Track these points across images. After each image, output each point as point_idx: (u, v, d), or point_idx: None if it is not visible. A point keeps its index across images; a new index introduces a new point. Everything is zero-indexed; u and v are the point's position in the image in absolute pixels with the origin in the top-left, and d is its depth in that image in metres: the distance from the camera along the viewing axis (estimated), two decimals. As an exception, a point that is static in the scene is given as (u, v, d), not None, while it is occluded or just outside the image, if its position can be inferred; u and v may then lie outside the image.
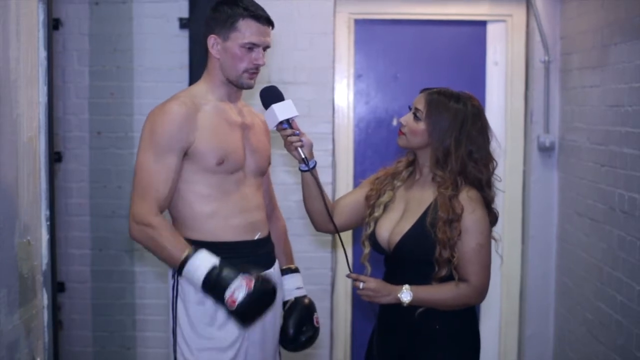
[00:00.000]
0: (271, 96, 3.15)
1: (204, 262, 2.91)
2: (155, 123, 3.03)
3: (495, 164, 3.18)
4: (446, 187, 3.05)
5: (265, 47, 3.13)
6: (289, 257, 3.51)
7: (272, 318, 3.25)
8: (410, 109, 3.18)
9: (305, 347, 3.38)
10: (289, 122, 3.13)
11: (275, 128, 3.16)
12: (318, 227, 3.38)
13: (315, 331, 3.38)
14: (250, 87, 3.19)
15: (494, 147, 3.20)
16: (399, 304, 3.07)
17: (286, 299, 3.40)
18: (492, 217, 3.15)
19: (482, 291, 3.10)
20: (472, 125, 3.09)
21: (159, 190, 2.98)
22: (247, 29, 3.08)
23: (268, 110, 3.13)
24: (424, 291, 3.06)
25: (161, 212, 3.00)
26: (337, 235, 3.29)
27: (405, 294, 3.05)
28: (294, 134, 3.13)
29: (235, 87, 3.18)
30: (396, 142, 3.23)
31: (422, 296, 3.06)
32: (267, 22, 3.13)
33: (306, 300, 3.40)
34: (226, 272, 2.90)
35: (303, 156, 3.15)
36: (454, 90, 3.16)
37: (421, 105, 3.13)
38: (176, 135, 2.99)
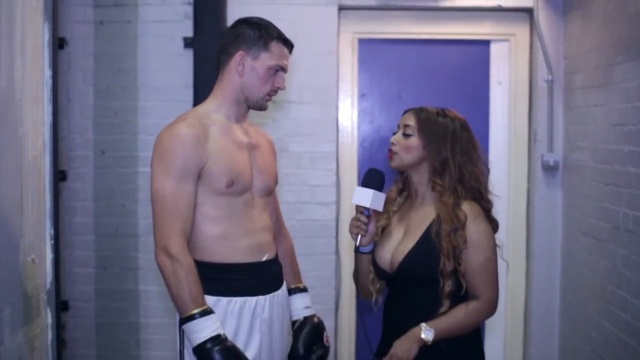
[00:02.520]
0: (374, 179, 3.16)
1: (209, 327, 2.88)
2: (167, 147, 2.97)
3: (487, 170, 3.22)
4: (448, 195, 3.07)
5: (285, 72, 3.16)
6: (297, 276, 3.47)
7: (280, 340, 3.23)
8: (397, 129, 3.20)
9: None
10: (368, 211, 3.15)
11: (356, 204, 3.17)
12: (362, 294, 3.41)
13: (325, 350, 3.35)
14: (264, 109, 3.20)
15: (483, 157, 3.23)
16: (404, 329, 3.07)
17: (294, 318, 3.37)
18: (494, 225, 3.16)
19: (494, 303, 3.12)
20: (461, 135, 3.12)
21: (185, 219, 2.95)
22: (278, 52, 3.08)
23: (365, 190, 3.14)
24: (442, 321, 3.03)
25: (187, 241, 2.97)
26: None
27: (428, 332, 3.02)
28: (365, 224, 3.15)
29: (249, 107, 3.17)
30: (388, 165, 3.24)
31: (442, 327, 3.03)
32: (292, 47, 3.16)
33: (315, 320, 3.38)
34: (225, 348, 2.87)
35: (357, 244, 3.17)
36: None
37: (412, 121, 3.15)
38: (192, 159, 2.95)
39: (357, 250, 3.20)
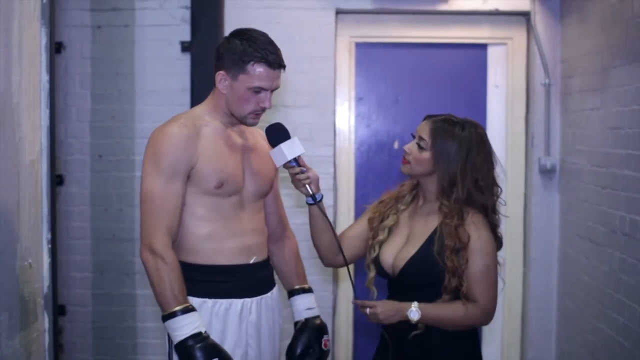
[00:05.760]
0: (277, 134, 3.11)
1: (191, 324, 2.89)
2: (159, 146, 2.99)
3: (499, 190, 3.16)
4: (452, 217, 3.03)
5: (274, 90, 3.09)
6: (301, 277, 3.47)
7: (269, 344, 3.24)
8: (413, 136, 3.15)
9: None
10: (296, 160, 3.11)
11: (281, 165, 3.14)
12: (326, 262, 3.36)
13: (322, 354, 3.32)
14: (254, 125, 3.17)
15: (498, 172, 3.18)
16: (404, 324, 3.06)
17: (296, 319, 3.37)
18: (497, 242, 3.14)
19: (490, 312, 3.08)
20: (477, 153, 3.05)
21: (171, 218, 2.97)
22: (256, 73, 3.01)
23: (275, 149, 3.10)
24: (433, 309, 3.03)
25: (173, 240, 2.98)
26: (346, 267, 3.27)
27: (414, 312, 3.02)
28: (301, 172, 3.10)
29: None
30: (399, 169, 3.19)
31: (431, 314, 3.02)
32: (279, 66, 3.06)
33: (317, 322, 3.36)
34: (206, 346, 2.88)
35: (311, 192, 3.13)
36: (457, 117, 3.12)
37: (425, 134, 3.08)
38: (181, 159, 2.97)
39: (314, 198, 3.14)
